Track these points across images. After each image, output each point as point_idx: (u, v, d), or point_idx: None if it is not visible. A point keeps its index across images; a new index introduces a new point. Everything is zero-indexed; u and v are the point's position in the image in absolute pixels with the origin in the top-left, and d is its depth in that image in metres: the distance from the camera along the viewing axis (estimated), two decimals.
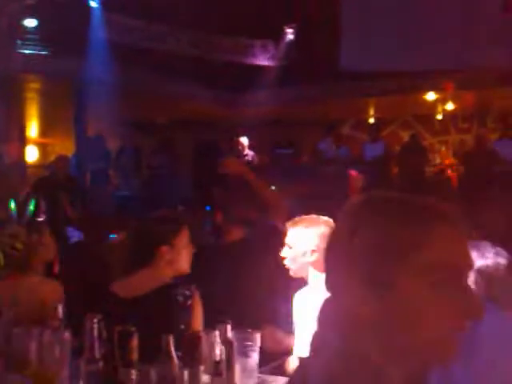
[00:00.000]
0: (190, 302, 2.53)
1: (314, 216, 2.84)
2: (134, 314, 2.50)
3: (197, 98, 10.40)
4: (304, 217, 2.85)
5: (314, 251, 2.75)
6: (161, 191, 7.16)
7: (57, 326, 2.42)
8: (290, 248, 2.82)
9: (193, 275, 2.91)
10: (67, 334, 2.44)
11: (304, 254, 2.77)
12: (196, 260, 2.97)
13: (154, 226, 2.79)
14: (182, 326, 2.41)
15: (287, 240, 2.83)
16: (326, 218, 2.80)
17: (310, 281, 2.82)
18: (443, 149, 11.92)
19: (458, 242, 1.01)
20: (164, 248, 2.70)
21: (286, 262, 2.85)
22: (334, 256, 1.04)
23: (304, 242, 2.77)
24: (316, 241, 2.74)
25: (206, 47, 10.52)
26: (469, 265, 1.02)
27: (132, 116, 10.29)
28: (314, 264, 2.76)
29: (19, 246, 2.97)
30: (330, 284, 1.05)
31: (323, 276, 1.06)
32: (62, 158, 9.18)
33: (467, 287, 0.99)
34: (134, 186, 8.62)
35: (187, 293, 2.56)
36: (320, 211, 2.89)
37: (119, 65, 9.15)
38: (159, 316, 2.52)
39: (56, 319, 2.44)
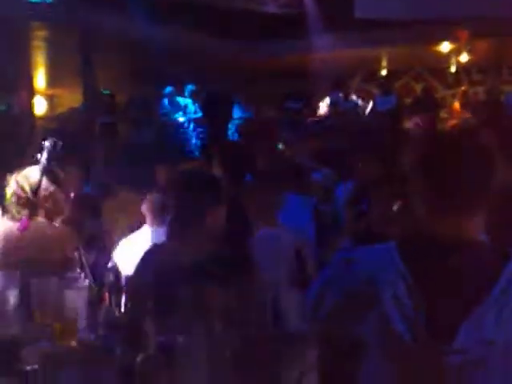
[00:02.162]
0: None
1: None
2: None
3: (206, 47, 10.18)
4: None
5: None
6: (174, 141, 7.08)
7: (76, 274, 2.40)
8: None
9: None
10: (86, 283, 2.42)
11: None
12: None
13: None
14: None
15: None
16: None
17: None
18: (455, 102, 11.71)
19: None
20: None
21: None
22: None
23: None
24: None
25: None
26: None
27: (140, 67, 10.13)
28: None
29: (27, 187, 2.83)
30: None
31: None
32: (72, 111, 9.10)
33: None
34: (146, 137, 8.53)
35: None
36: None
37: (124, 13, 8.92)
38: None
39: (74, 268, 2.42)
